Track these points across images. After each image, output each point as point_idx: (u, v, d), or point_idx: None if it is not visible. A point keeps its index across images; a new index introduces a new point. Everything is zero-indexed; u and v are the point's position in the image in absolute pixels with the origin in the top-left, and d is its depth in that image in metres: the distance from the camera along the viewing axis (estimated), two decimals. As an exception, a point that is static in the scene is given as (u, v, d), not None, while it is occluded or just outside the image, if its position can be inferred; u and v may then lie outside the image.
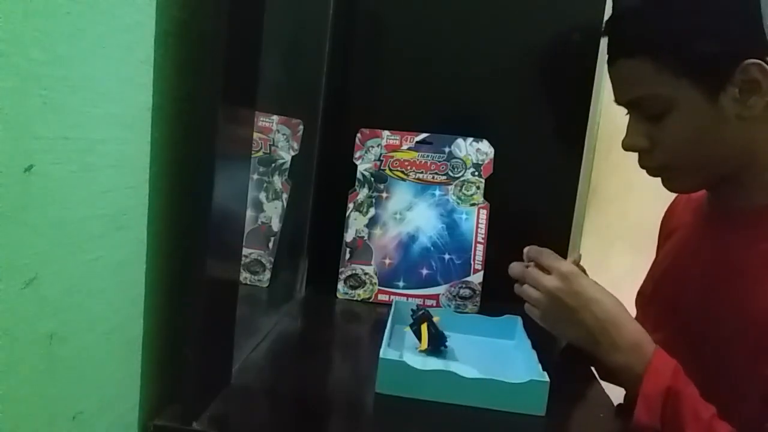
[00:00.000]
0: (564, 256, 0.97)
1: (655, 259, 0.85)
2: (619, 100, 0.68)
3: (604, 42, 0.92)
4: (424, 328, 0.70)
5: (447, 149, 0.95)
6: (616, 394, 0.69)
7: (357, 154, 0.96)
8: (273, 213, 0.83)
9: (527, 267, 0.71)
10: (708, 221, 0.73)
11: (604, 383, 0.70)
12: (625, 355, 0.63)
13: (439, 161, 0.94)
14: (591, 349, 0.66)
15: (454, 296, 0.92)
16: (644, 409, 0.58)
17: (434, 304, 0.91)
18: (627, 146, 0.68)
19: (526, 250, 0.73)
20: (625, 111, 0.69)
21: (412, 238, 0.93)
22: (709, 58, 0.60)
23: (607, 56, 0.68)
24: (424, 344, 0.70)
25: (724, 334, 0.63)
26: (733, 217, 0.68)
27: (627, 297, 0.85)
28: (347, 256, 0.93)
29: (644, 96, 0.64)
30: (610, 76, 0.68)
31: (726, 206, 0.69)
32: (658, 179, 0.70)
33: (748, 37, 0.60)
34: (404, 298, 0.91)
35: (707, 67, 0.60)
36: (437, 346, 0.71)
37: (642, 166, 0.69)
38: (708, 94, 0.61)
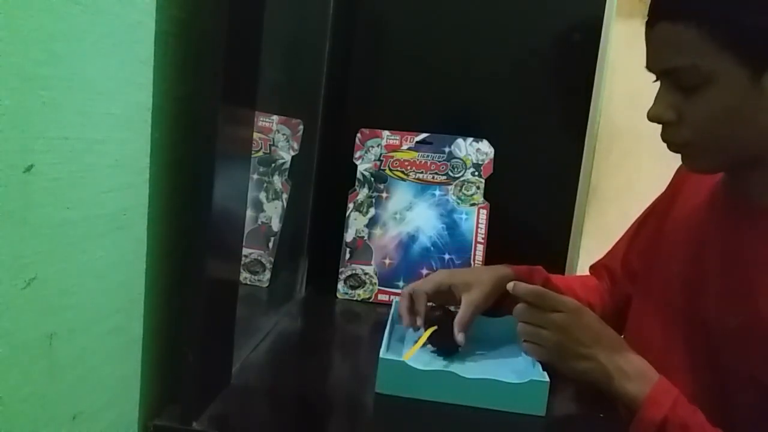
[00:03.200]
0: (564, 256, 0.97)
1: (644, 231, 0.81)
2: (651, 68, 0.64)
3: (604, 42, 0.93)
4: (426, 333, 0.69)
5: (447, 149, 0.95)
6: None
7: (357, 154, 0.96)
8: (273, 213, 0.83)
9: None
10: (723, 209, 0.70)
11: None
12: (635, 384, 0.62)
13: (439, 161, 0.94)
14: (604, 381, 0.64)
15: (454, 296, 0.91)
16: None
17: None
18: (653, 117, 0.63)
19: (516, 290, 0.67)
20: (654, 79, 0.64)
21: (412, 238, 0.93)
22: (759, 33, 0.56)
23: (647, 17, 0.63)
24: (412, 351, 0.67)
25: (728, 324, 0.62)
26: (751, 209, 0.65)
27: (627, 297, 0.84)
28: (347, 256, 0.93)
29: (682, 66, 0.60)
30: (647, 40, 0.63)
31: (743, 196, 0.66)
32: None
33: None
34: (404, 298, 0.90)
35: (756, 42, 0.57)
36: (449, 352, 0.70)
37: (664, 140, 0.65)
38: (751, 71, 0.57)
